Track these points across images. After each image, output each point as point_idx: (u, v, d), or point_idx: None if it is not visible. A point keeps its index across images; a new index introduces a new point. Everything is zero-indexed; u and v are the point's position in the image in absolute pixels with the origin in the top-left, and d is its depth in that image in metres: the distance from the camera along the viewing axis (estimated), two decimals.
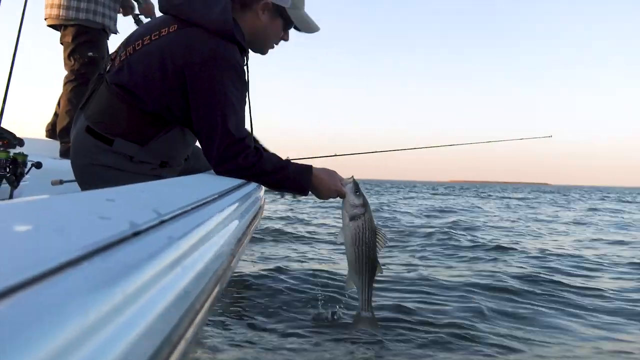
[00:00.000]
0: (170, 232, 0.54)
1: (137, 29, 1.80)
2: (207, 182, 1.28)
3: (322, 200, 1.83)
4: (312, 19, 1.89)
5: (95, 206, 0.60)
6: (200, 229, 0.64)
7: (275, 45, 1.92)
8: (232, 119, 1.61)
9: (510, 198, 25.22)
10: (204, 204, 0.80)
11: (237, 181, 1.45)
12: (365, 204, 1.77)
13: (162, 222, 0.57)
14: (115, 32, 3.55)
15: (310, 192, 1.76)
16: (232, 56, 1.63)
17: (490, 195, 29.46)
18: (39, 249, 0.39)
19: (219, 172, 1.62)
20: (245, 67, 1.76)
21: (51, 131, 3.64)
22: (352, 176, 1.78)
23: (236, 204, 1.00)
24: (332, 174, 1.79)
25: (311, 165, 1.76)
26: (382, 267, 1.86)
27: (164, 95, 1.64)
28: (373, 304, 1.88)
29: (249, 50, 1.86)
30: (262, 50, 1.91)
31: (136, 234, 0.49)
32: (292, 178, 1.70)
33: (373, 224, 1.79)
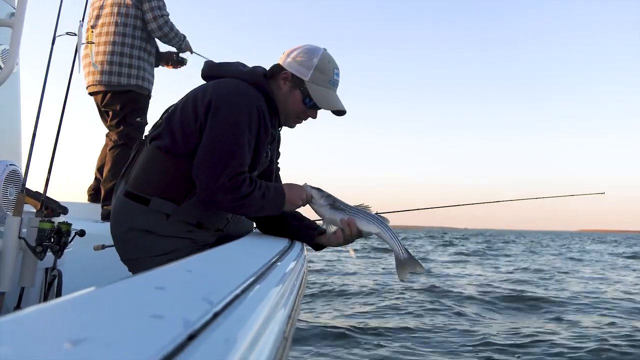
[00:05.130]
0: (226, 331, 0.50)
1: None
2: (251, 251, 1.24)
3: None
4: (341, 100, 1.91)
5: (145, 299, 0.57)
6: (255, 317, 0.60)
7: (301, 120, 1.95)
8: (245, 152, 1.66)
9: None
10: (254, 281, 0.77)
11: (281, 245, 1.41)
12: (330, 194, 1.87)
13: (216, 314, 0.54)
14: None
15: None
16: (255, 97, 1.72)
17: None
18: None
19: (218, 198, 1.62)
20: (268, 119, 1.77)
21: (93, 195, 3.72)
22: (305, 183, 1.88)
23: (285, 274, 0.96)
24: (292, 185, 1.85)
25: (281, 186, 1.82)
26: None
27: (197, 134, 1.67)
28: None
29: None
30: (286, 121, 1.95)
31: (191, 337, 0.45)
32: (272, 201, 1.74)
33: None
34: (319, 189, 1.85)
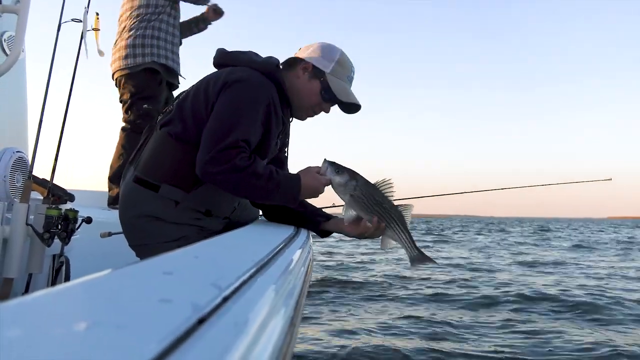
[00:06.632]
0: (235, 315, 0.50)
1: None
2: (257, 238, 1.24)
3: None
4: (356, 97, 1.89)
5: (153, 283, 0.57)
6: (264, 302, 0.59)
7: (314, 113, 1.92)
8: (248, 129, 1.62)
9: None
10: (261, 267, 0.77)
11: (287, 233, 1.41)
12: (352, 175, 1.74)
13: (225, 299, 0.54)
14: (179, 73, 3.62)
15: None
16: (268, 86, 1.71)
17: None
18: (99, 350, 0.35)
19: (209, 170, 1.56)
20: (280, 109, 1.76)
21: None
22: (324, 158, 1.76)
23: (293, 261, 0.96)
24: (307, 171, 1.74)
25: (296, 174, 1.72)
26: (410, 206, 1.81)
27: (206, 120, 1.66)
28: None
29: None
30: (298, 113, 1.93)
31: (201, 320, 0.45)
32: (283, 186, 1.65)
33: (369, 182, 1.76)
34: (339, 170, 1.72)
